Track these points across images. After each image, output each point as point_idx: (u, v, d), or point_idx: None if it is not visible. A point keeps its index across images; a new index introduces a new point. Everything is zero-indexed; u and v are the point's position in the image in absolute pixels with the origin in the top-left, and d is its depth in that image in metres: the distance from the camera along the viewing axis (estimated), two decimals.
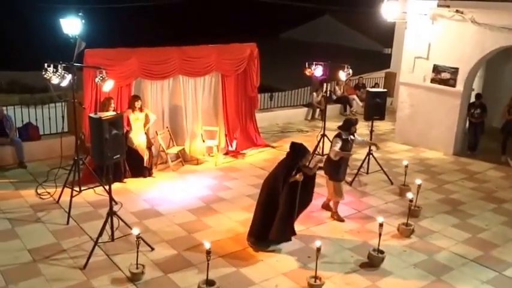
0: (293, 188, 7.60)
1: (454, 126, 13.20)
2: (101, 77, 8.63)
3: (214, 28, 30.14)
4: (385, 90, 12.04)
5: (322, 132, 12.22)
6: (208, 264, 6.48)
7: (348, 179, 10.88)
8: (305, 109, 16.91)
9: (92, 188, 9.46)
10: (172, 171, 11.08)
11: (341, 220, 8.93)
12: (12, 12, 29.35)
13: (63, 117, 9.63)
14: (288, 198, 7.62)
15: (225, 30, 26.76)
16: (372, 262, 7.51)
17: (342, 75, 12.12)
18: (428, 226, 8.92)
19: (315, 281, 6.77)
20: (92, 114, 7.40)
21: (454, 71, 12.95)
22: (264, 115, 15.19)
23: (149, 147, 10.64)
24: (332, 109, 17.04)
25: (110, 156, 7.09)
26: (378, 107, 10.92)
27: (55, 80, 8.35)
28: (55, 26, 8.88)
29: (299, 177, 7.53)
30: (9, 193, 9.52)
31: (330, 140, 12.14)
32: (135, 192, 9.83)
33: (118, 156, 7.34)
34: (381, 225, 7.36)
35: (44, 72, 8.34)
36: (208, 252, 6.36)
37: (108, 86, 8.88)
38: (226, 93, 12.21)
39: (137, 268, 6.84)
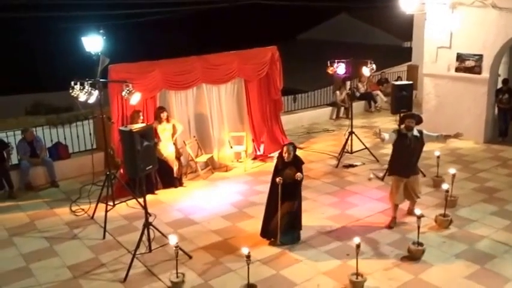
0: (275, 188, 7.79)
1: (483, 113, 13.00)
2: (128, 90, 8.68)
3: (232, 35, 30.18)
4: (411, 82, 11.90)
5: (350, 130, 12.13)
6: (248, 268, 6.47)
7: (380, 174, 10.80)
8: (329, 109, 16.80)
9: (124, 201, 9.54)
10: (203, 179, 11.10)
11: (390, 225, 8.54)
12: (35, 36, 29.92)
13: (91, 134, 9.72)
14: (270, 196, 7.96)
15: (242, 35, 26.81)
16: (413, 255, 7.39)
17: (366, 70, 12.02)
18: (467, 215, 8.78)
19: (357, 278, 6.69)
20: (122, 128, 7.43)
21: (479, 58, 12.75)
22: (288, 117, 15.15)
23: (178, 158, 10.67)
24: (357, 106, 16.86)
25: (142, 168, 7.13)
26: (404, 99, 10.81)
27: (82, 97, 8.44)
28: (77, 45, 8.98)
29: (278, 180, 7.66)
30: (45, 212, 9.63)
31: (358, 138, 12.15)
32: (167, 203, 9.86)
33: (150, 167, 7.40)
34: (418, 217, 7.26)
35: (71, 90, 8.43)
36: (247, 257, 6.35)
37: (135, 99, 8.96)
38: (250, 98, 12.21)
39: (177, 277, 6.84)
